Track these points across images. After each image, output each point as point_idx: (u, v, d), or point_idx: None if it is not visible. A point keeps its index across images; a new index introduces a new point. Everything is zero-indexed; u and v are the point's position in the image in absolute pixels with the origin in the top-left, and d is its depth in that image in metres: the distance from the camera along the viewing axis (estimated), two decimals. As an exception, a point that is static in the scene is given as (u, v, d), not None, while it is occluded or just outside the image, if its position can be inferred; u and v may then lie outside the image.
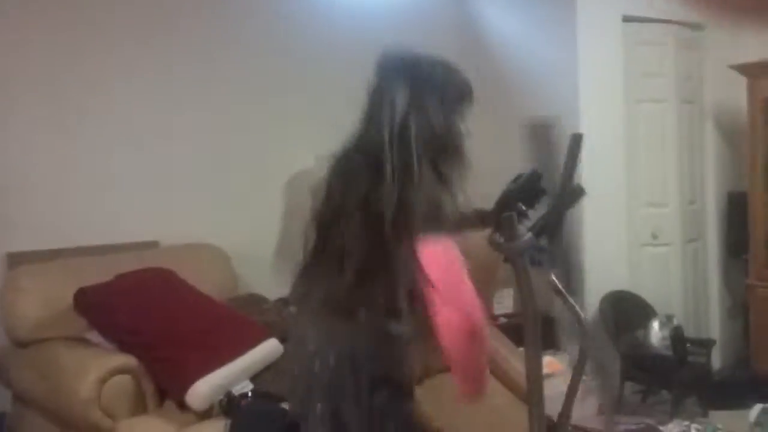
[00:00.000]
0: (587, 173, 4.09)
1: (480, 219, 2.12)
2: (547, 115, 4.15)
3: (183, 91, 3.91)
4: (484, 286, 3.49)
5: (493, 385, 3.46)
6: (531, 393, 1.94)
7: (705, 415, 3.89)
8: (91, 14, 3.67)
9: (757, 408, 3.67)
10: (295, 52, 4.07)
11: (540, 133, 1.94)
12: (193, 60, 3.94)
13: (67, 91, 3.61)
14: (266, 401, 2.66)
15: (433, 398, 3.10)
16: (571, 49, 4.19)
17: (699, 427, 3.65)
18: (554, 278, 2.01)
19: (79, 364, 2.75)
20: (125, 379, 2.74)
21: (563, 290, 2.05)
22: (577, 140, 1.99)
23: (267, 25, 4.15)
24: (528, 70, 4.52)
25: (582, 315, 2.13)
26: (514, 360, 3.18)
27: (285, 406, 2.49)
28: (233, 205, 3.99)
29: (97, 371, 2.67)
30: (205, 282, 3.35)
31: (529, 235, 1.93)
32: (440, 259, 1.65)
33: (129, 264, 3.21)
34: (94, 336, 2.95)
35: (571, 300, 2.11)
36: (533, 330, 1.98)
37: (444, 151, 1.87)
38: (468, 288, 1.66)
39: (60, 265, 3.25)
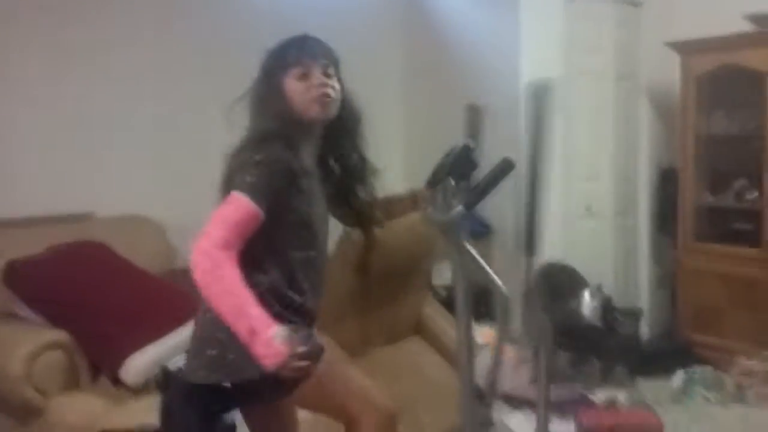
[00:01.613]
0: (526, 147, 4.18)
1: (414, 200, 2.16)
2: (479, 99, 4.22)
3: (123, 59, 3.81)
4: (424, 260, 3.55)
5: (432, 357, 3.53)
6: (461, 362, 1.99)
7: (632, 383, 4.04)
8: None
9: (679, 374, 3.84)
10: (238, 31, 4.02)
11: (471, 116, 1.95)
12: (135, 24, 3.85)
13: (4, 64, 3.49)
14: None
15: (371, 371, 3.14)
16: (514, 24, 4.22)
17: (626, 394, 3.79)
18: (471, 249, 2.04)
19: (9, 339, 2.70)
20: (57, 354, 2.70)
21: (482, 262, 2.09)
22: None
23: (219, 10, 4.09)
24: (470, 46, 4.55)
25: (501, 286, 2.16)
26: (452, 332, 3.23)
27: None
28: (170, 177, 3.93)
29: (28, 347, 2.63)
30: (140, 255, 3.31)
31: (461, 207, 1.97)
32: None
33: (61, 236, 3.14)
34: (24, 310, 2.89)
35: (490, 272, 2.15)
36: (464, 300, 2.02)
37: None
38: (204, 230, 1.65)
39: (-12, 236, 3.16)
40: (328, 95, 1.85)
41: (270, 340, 1.56)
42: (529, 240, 2.02)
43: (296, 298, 1.84)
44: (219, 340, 1.77)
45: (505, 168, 1.99)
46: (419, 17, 4.89)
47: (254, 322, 1.58)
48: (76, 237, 3.17)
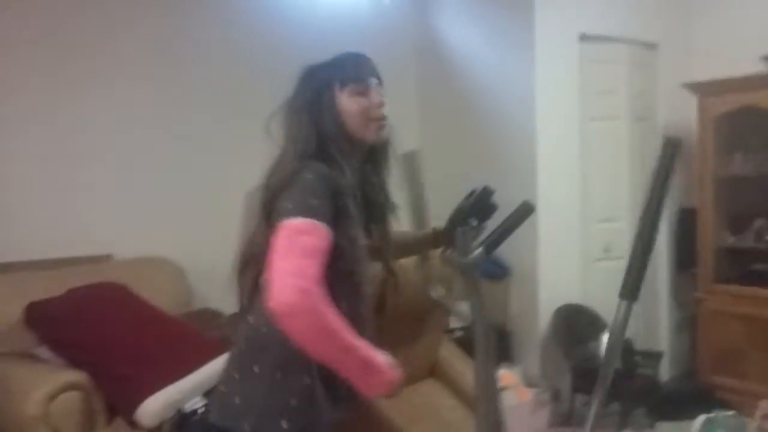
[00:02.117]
0: (543, 189, 4.20)
1: (435, 238, 2.15)
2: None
3: (141, 104, 3.89)
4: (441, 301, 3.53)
5: (448, 400, 3.49)
6: (479, 404, 1.97)
7: (653, 426, 3.97)
8: (60, 31, 3.64)
9: (701, 419, 3.75)
10: (257, 69, 4.09)
11: (407, 163, 1.96)
12: (151, 73, 3.92)
13: (17, 106, 3.56)
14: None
15: (388, 413, 3.11)
16: (529, 66, 4.25)
17: (646, 438, 3.73)
18: (437, 294, 2.06)
19: (27, 380, 2.71)
20: (74, 395, 2.70)
21: (447, 302, 2.09)
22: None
23: (229, 44, 4.16)
24: (486, 86, 4.59)
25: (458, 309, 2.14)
26: (469, 375, 3.20)
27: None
28: (189, 219, 3.97)
29: (46, 387, 2.63)
30: (159, 296, 3.32)
31: (480, 249, 1.97)
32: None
33: (81, 278, 3.18)
34: (44, 352, 2.90)
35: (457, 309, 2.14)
36: (484, 342, 2.01)
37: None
38: (278, 268, 1.47)
39: (10, 278, 3.21)
40: (385, 117, 1.77)
41: (386, 366, 1.54)
42: (635, 285, 1.98)
43: (361, 329, 1.70)
44: (234, 378, 1.67)
45: (525, 211, 2.01)
46: (433, 59, 4.95)
47: (365, 354, 1.52)
48: (95, 279, 3.20)
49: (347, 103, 1.73)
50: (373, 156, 1.85)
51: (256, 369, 1.65)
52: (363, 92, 1.74)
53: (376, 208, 1.87)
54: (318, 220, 1.54)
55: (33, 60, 3.59)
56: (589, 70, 4.39)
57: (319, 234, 1.53)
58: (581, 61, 4.36)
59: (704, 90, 4.35)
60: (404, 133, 5.36)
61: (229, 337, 3.22)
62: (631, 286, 1.98)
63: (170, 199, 3.94)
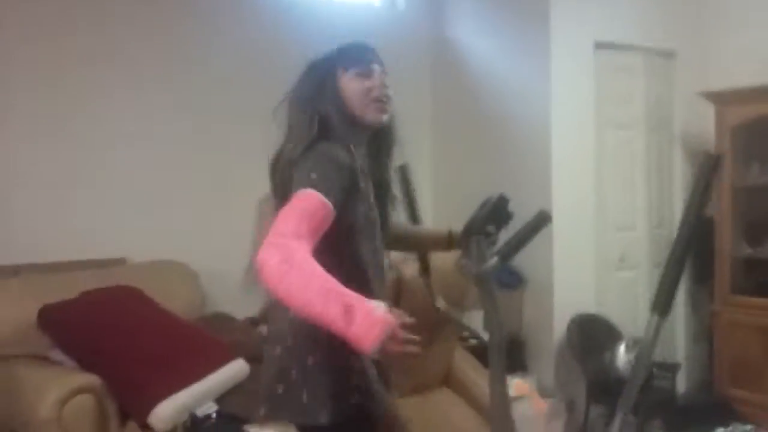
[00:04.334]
0: (558, 197, 4.17)
1: (450, 239, 2.14)
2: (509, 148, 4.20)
3: (153, 107, 3.90)
4: (455, 308, 3.51)
5: (462, 409, 3.47)
6: (493, 412, 1.95)
7: (670, 438, 3.92)
8: (66, 28, 3.66)
9: (719, 431, 3.71)
10: (271, 75, 4.06)
11: (400, 176, 1.95)
12: (164, 76, 3.94)
13: (34, 110, 3.58)
14: (231, 423, 2.64)
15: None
16: (544, 74, 4.22)
17: (663, 450, 3.68)
18: (441, 303, 2.05)
19: (40, 383, 2.71)
20: (87, 398, 2.70)
21: (451, 313, 2.08)
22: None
23: (244, 49, 4.17)
24: (501, 94, 4.57)
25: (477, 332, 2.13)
26: (482, 384, 3.18)
27: (249, 428, 2.47)
28: (203, 223, 3.97)
29: (59, 391, 2.63)
30: (173, 300, 3.33)
31: (496, 258, 1.96)
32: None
33: (95, 281, 3.18)
34: (57, 354, 2.90)
35: (460, 320, 2.13)
36: (497, 351, 1.99)
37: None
38: (270, 231, 1.48)
39: (23, 281, 3.22)
40: (387, 99, 1.79)
41: (371, 309, 1.36)
42: (668, 299, 1.96)
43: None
44: (291, 377, 1.67)
45: (541, 220, 1.99)
46: (448, 66, 4.94)
47: (348, 298, 1.38)
48: (109, 282, 3.21)
49: (349, 85, 1.76)
50: (377, 140, 1.87)
51: (310, 361, 1.66)
52: (365, 74, 1.77)
53: (380, 192, 1.88)
54: (318, 191, 1.54)
55: (43, 62, 3.61)
56: (606, 78, 4.37)
57: (308, 198, 1.53)
58: (597, 69, 4.33)
59: (722, 99, 4.31)
60: (418, 140, 5.40)
61: (242, 342, 3.24)
62: (664, 300, 1.96)
63: (184, 204, 3.95)
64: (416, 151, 4.87)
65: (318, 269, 1.43)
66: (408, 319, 1.40)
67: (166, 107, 3.93)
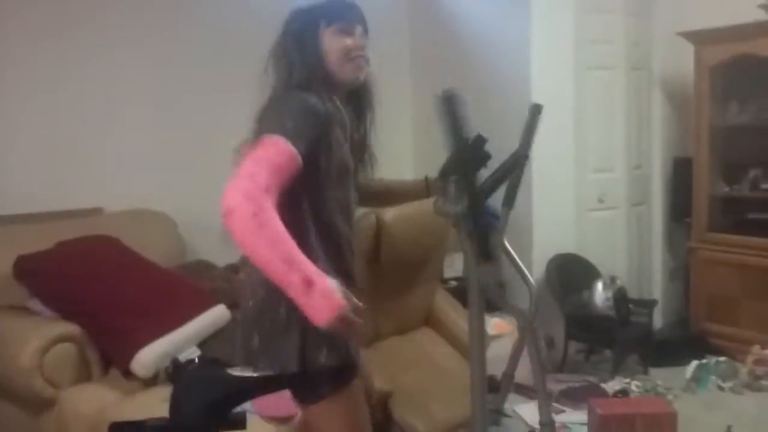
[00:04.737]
0: (537, 139, 4.14)
1: (427, 187, 2.14)
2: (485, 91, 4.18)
3: (129, 51, 3.81)
4: (435, 252, 3.53)
5: (443, 348, 3.52)
6: (472, 352, 1.97)
7: (646, 372, 4.01)
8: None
9: (693, 364, 3.81)
10: (248, 24, 3.99)
11: (449, 105, 1.93)
12: (138, 19, 3.84)
13: (10, 59, 3.49)
14: (213, 367, 2.65)
15: (382, 361, 3.14)
16: (524, 16, 4.18)
17: (639, 383, 3.77)
18: (505, 242, 2.06)
19: (20, 332, 2.70)
20: (68, 347, 2.70)
21: (513, 254, 2.10)
22: (535, 111, 2.01)
23: (219, 2, 4.06)
24: (479, 37, 4.51)
25: (530, 279, 2.18)
26: (463, 323, 3.22)
27: (231, 371, 2.48)
28: (181, 171, 3.93)
29: (39, 340, 2.63)
30: (151, 249, 3.30)
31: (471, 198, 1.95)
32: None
33: (72, 231, 3.14)
34: (35, 304, 2.89)
35: (519, 263, 2.16)
36: (476, 292, 2.00)
37: None
38: (235, 174, 1.49)
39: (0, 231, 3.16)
40: (364, 59, 1.81)
41: (329, 290, 1.44)
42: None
43: (345, 264, 1.78)
44: (265, 327, 1.69)
45: (517, 161, 1.98)
46: (426, 8, 4.86)
47: (309, 272, 1.44)
48: (86, 232, 3.16)
49: (330, 41, 1.77)
50: (355, 99, 1.89)
51: (282, 312, 1.66)
52: (346, 32, 1.78)
53: (356, 149, 1.89)
54: (289, 140, 1.55)
55: (28, 21, 3.51)
56: (585, 19, 4.32)
57: (277, 148, 1.53)
58: (576, 10, 4.28)
59: (700, 38, 4.29)
60: (397, 83, 5.33)
61: (222, 289, 3.25)
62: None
63: (161, 152, 3.89)
64: (396, 100, 4.83)
65: (284, 233, 1.46)
66: (359, 304, 1.48)
67: (144, 60, 3.84)
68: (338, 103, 1.79)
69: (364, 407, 1.90)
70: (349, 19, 1.79)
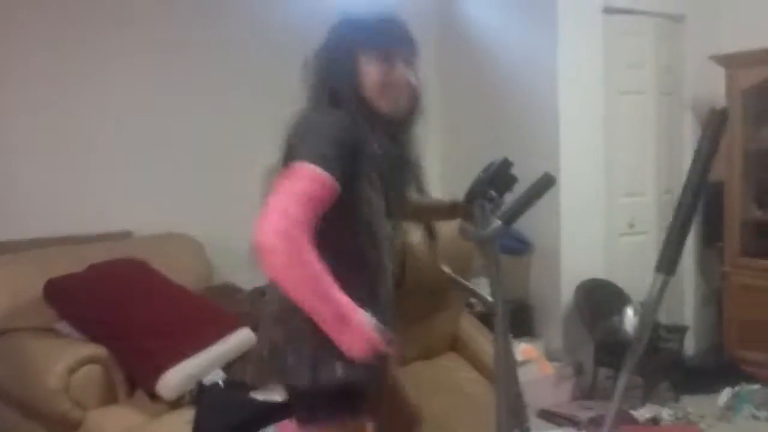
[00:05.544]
0: (566, 162, 4.14)
1: (452, 209, 2.12)
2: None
3: (160, 79, 3.87)
4: (461, 276, 3.50)
5: (469, 373, 3.48)
6: (498, 378, 1.94)
7: (677, 399, 3.93)
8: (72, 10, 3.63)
9: (727, 392, 3.73)
10: (278, 47, 4.03)
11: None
12: (173, 48, 3.89)
13: (37, 80, 3.56)
14: (237, 391, 2.64)
15: (407, 386, 3.11)
16: (552, 40, 4.17)
17: (670, 411, 3.69)
18: (447, 268, 2.04)
19: (48, 354, 2.73)
20: (95, 368, 2.73)
21: (458, 278, 2.08)
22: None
23: (252, 22, 4.11)
24: (508, 61, 4.51)
25: (484, 296, 2.13)
26: (489, 348, 3.18)
27: (254, 395, 2.48)
28: (209, 194, 3.96)
29: (66, 361, 2.66)
30: (179, 272, 3.33)
31: (499, 222, 1.94)
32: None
33: (101, 254, 3.18)
34: (64, 327, 2.92)
35: (467, 285, 2.13)
36: (502, 316, 1.98)
37: None
38: (269, 206, 1.46)
39: (30, 255, 3.22)
40: (404, 91, 1.71)
41: (362, 323, 1.49)
42: (673, 259, 1.93)
43: (375, 295, 1.71)
44: (277, 340, 1.67)
45: (545, 183, 1.96)
46: (454, 33, 4.87)
47: (343, 308, 1.49)
48: (115, 255, 3.21)
49: (367, 68, 1.67)
50: (397, 126, 1.76)
51: (295, 324, 1.62)
52: (385, 59, 1.68)
53: (396, 176, 1.79)
54: (325, 169, 1.50)
55: (47, 33, 3.57)
56: (614, 43, 4.30)
57: (313, 177, 1.49)
58: (605, 33, 4.27)
59: (732, 62, 4.26)
60: (425, 111, 5.30)
61: (248, 312, 3.25)
62: (669, 260, 1.93)
63: (189, 175, 3.93)
64: (423, 125, 4.80)
65: (321, 269, 1.47)
66: (393, 337, 1.53)
67: (172, 79, 3.90)
68: (374, 126, 1.67)
69: None
70: (389, 45, 1.69)
